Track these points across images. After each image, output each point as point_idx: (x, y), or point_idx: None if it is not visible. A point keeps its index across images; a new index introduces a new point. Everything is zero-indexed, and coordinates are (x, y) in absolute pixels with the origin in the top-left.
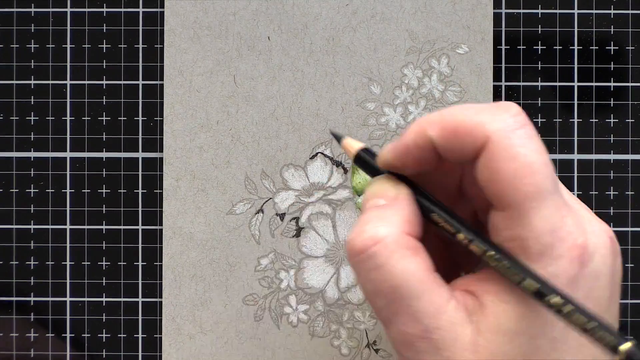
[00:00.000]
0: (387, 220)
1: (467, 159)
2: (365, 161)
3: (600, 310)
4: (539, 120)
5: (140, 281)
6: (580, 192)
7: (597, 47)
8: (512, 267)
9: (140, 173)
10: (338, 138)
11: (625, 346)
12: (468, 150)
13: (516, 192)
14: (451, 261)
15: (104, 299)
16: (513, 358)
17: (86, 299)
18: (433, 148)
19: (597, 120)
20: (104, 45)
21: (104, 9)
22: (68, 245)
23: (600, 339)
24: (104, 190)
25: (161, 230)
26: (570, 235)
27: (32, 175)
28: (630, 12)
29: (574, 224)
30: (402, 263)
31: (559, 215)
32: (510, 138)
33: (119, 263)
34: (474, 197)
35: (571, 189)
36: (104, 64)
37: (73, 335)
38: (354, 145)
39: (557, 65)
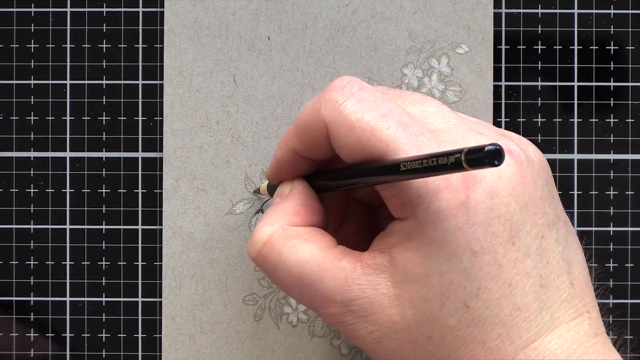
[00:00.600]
0: (272, 217)
1: (327, 151)
2: (273, 187)
3: (514, 225)
4: (539, 120)
5: (140, 281)
6: (580, 192)
7: (597, 47)
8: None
9: (140, 173)
10: (257, 192)
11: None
12: (320, 142)
13: (370, 156)
14: (376, 228)
15: (103, 299)
16: (432, 298)
17: (86, 299)
18: (301, 156)
19: (597, 120)
20: (104, 45)
21: (104, 9)
22: (68, 245)
23: (445, 167)
24: (103, 190)
25: (161, 230)
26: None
27: (32, 175)
28: (630, 12)
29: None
30: (294, 253)
31: (421, 152)
32: (341, 112)
33: (118, 263)
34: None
35: (571, 189)
36: (104, 63)
37: (73, 335)
38: (264, 187)
39: (557, 65)
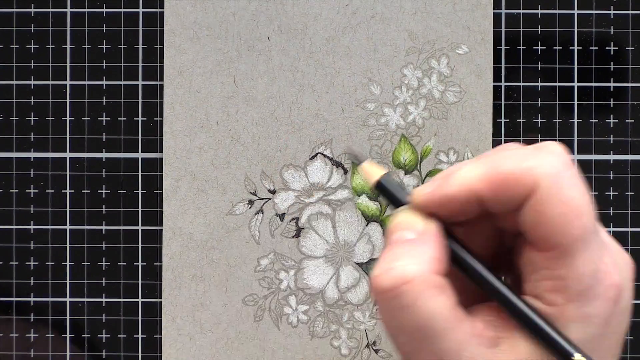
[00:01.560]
0: (416, 257)
1: (514, 207)
2: (387, 190)
3: (620, 341)
4: (539, 120)
5: (140, 281)
6: None
7: (597, 48)
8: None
9: (140, 173)
10: (357, 161)
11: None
12: (516, 199)
13: (564, 235)
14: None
15: (103, 300)
16: None
17: (86, 300)
18: (478, 201)
19: (597, 120)
20: (104, 46)
21: (104, 10)
22: (68, 245)
23: (555, 351)
24: (103, 191)
25: (161, 230)
26: (608, 276)
27: (32, 175)
28: (630, 12)
29: (611, 262)
30: (429, 303)
31: (599, 255)
32: (559, 181)
33: (118, 263)
34: (507, 236)
35: None
36: (104, 64)
37: (73, 335)
38: (374, 171)
39: (557, 66)
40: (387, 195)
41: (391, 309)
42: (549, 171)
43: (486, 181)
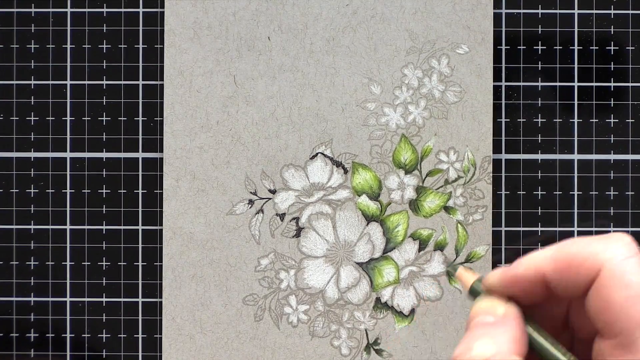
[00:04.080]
0: (496, 339)
1: (579, 291)
2: (476, 290)
3: None
4: (539, 120)
5: (140, 281)
6: (580, 192)
7: (597, 47)
8: None
9: (140, 173)
10: (451, 273)
11: None
12: (581, 282)
13: (628, 320)
14: None
15: (104, 299)
16: None
17: (86, 299)
18: (544, 282)
19: (597, 120)
20: (104, 46)
21: (104, 9)
22: (68, 245)
23: None
24: (104, 191)
25: (161, 230)
26: None
27: (32, 175)
28: (630, 12)
29: None
30: None
31: None
32: (623, 266)
33: (119, 263)
34: (577, 327)
35: (571, 189)
36: (104, 64)
37: (73, 335)
38: (469, 277)
39: (557, 65)
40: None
41: None
42: (614, 255)
43: (552, 262)
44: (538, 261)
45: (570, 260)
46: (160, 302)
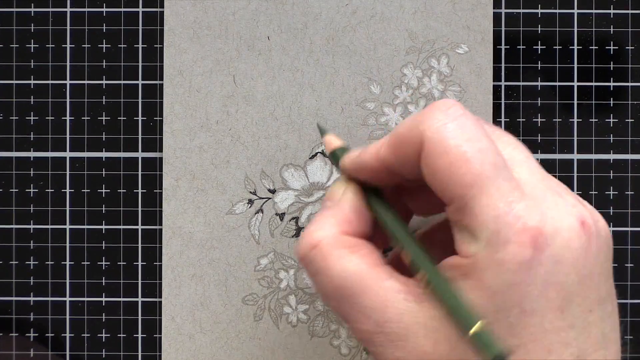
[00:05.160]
0: (325, 222)
1: (414, 167)
2: (337, 160)
3: (568, 295)
4: (539, 120)
5: (139, 281)
6: (580, 192)
7: (596, 47)
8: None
9: (139, 173)
10: (322, 132)
11: (475, 327)
12: (411, 158)
13: (455, 184)
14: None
15: (103, 299)
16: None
17: (86, 299)
18: (387, 168)
19: (597, 120)
20: (104, 45)
21: (104, 9)
22: (67, 245)
23: (456, 320)
24: (103, 190)
25: (161, 230)
26: (519, 220)
27: (31, 175)
28: (630, 12)
29: (525, 207)
30: (340, 264)
31: (504, 200)
32: (441, 132)
33: (118, 263)
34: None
35: (571, 189)
36: (104, 64)
37: (73, 335)
38: (333, 142)
39: (557, 65)
40: (337, 165)
41: (311, 276)
42: (432, 124)
43: (388, 146)
44: (378, 147)
45: (400, 139)
46: (160, 302)
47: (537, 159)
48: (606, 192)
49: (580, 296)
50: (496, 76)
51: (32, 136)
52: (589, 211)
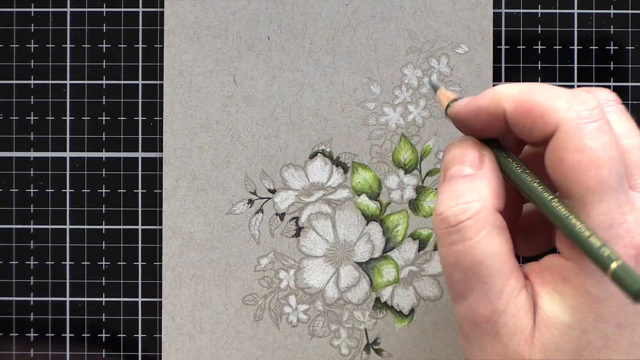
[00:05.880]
0: (478, 193)
1: (535, 140)
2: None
3: None
4: None
5: (140, 281)
6: None
7: (597, 47)
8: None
9: (140, 173)
10: (435, 88)
11: (615, 264)
12: (538, 133)
13: (579, 184)
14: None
15: (103, 299)
16: (564, 351)
17: (86, 299)
18: (504, 119)
19: None
20: (104, 45)
21: (104, 9)
22: (68, 245)
23: (596, 259)
24: (103, 190)
25: (161, 230)
26: (629, 234)
27: (31, 175)
28: (630, 12)
29: (635, 222)
30: (488, 241)
31: (619, 211)
32: (580, 130)
33: (118, 263)
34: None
35: None
36: (104, 64)
37: (73, 335)
38: (448, 95)
39: (557, 65)
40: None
41: (450, 243)
42: (573, 117)
43: (514, 103)
44: (503, 97)
45: (531, 108)
46: (160, 302)
47: None
48: None
49: None
50: (496, 76)
51: (32, 136)
52: None
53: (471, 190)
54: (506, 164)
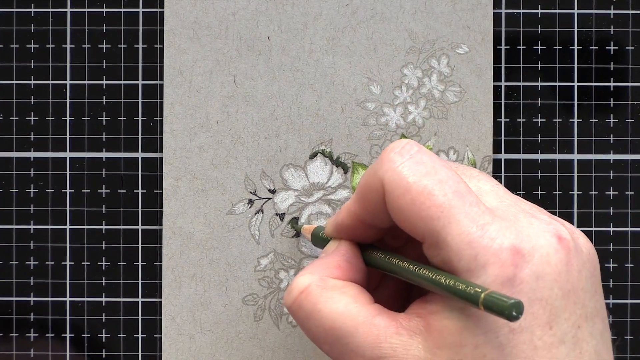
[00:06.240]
0: (313, 269)
1: (383, 215)
2: (319, 237)
3: (555, 309)
4: (539, 120)
5: (140, 281)
6: (580, 192)
7: (597, 47)
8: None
9: (140, 173)
10: (297, 229)
11: (482, 296)
12: (378, 205)
13: (422, 220)
14: (415, 292)
15: (103, 299)
16: None
17: (86, 299)
18: (362, 222)
19: (597, 120)
20: (104, 45)
21: (104, 9)
22: (68, 245)
23: (465, 299)
24: (103, 191)
25: (161, 230)
26: (494, 241)
27: (32, 175)
28: (630, 12)
29: (498, 228)
30: (329, 305)
31: (475, 224)
32: (398, 172)
33: (118, 263)
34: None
35: (571, 189)
36: (104, 64)
37: (73, 335)
38: (308, 228)
39: (557, 65)
40: (320, 240)
41: (301, 321)
42: (389, 167)
43: (356, 201)
44: (349, 205)
45: (364, 191)
46: (160, 302)
47: (537, 159)
48: (606, 192)
49: (567, 311)
50: (496, 76)
51: (32, 136)
52: (567, 228)
53: (308, 270)
54: (372, 257)
